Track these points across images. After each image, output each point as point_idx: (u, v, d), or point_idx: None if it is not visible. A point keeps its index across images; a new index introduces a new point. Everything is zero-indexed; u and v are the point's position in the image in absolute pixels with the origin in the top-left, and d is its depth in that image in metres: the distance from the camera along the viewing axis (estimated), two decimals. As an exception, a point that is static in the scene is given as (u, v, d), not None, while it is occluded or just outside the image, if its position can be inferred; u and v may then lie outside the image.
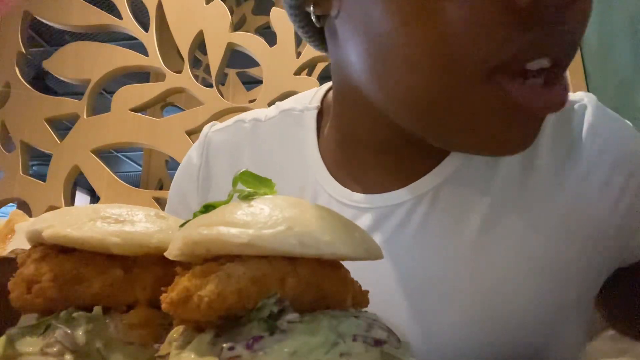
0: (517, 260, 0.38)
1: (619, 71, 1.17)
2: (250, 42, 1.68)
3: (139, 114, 1.73)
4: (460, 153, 0.42)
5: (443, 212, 0.40)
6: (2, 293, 0.28)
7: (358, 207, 0.42)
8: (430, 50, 0.31)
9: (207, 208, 0.26)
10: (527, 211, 0.39)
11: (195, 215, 0.26)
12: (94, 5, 1.82)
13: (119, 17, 1.77)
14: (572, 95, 0.44)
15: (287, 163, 0.48)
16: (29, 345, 0.25)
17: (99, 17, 1.80)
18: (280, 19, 1.68)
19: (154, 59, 1.72)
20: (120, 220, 0.28)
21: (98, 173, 1.69)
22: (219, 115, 1.67)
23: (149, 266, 0.28)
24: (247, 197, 0.25)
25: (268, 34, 1.74)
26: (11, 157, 1.78)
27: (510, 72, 0.31)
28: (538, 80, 0.31)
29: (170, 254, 0.24)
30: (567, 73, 0.34)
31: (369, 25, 0.35)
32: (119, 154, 5.72)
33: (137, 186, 1.88)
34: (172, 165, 2.37)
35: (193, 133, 1.67)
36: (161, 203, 1.66)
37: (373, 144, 0.44)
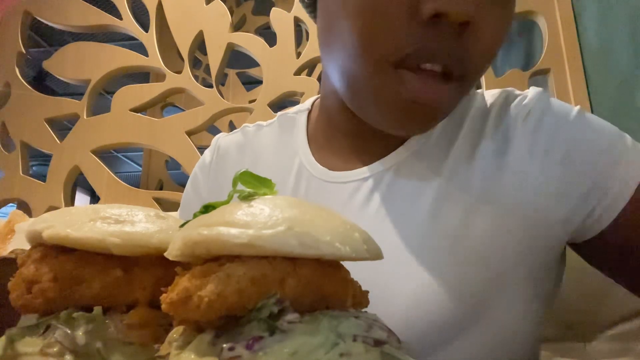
0: (464, 229, 0.43)
1: (619, 71, 1.17)
2: (250, 42, 1.68)
3: (139, 114, 1.73)
4: (418, 136, 0.48)
5: (403, 185, 0.47)
6: (2, 293, 0.28)
7: (335, 182, 0.50)
8: (354, 40, 0.39)
9: (207, 208, 0.26)
10: (472, 187, 0.44)
11: (195, 216, 0.26)
12: (94, 5, 1.82)
13: (119, 17, 1.77)
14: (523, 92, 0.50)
15: (280, 153, 0.56)
16: (29, 345, 0.25)
17: (99, 18, 1.80)
18: (280, 19, 1.68)
19: (154, 59, 1.72)
20: (120, 220, 0.28)
21: (98, 173, 1.69)
22: (219, 116, 1.67)
23: (148, 266, 0.28)
24: (247, 198, 0.25)
25: (268, 34, 1.74)
26: (11, 157, 1.78)
27: (409, 67, 0.38)
28: (430, 78, 0.38)
29: (170, 254, 0.24)
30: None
31: (328, 16, 0.43)
32: (119, 154, 5.72)
33: (137, 186, 1.87)
34: (172, 165, 2.37)
35: (193, 133, 1.67)
36: (161, 203, 1.65)
37: (347, 130, 0.52)
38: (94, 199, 5.77)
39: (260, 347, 0.20)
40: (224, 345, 0.21)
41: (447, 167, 0.45)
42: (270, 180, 0.27)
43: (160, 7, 1.75)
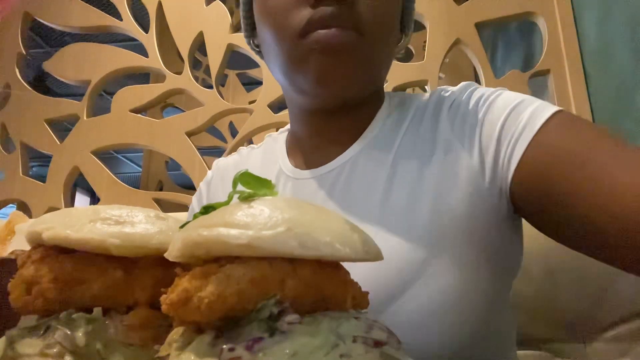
0: (412, 205, 0.49)
1: (619, 72, 1.17)
2: (250, 43, 1.68)
3: (138, 115, 1.73)
4: (372, 129, 0.57)
5: (360, 173, 0.54)
6: (2, 294, 0.28)
7: (304, 179, 0.58)
8: (271, 29, 0.51)
9: (207, 209, 0.26)
10: (414, 166, 0.51)
11: (195, 217, 0.26)
12: (94, 6, 1.83)
13: (119, 18, 1.77)
14: None
15: (265, 166, 0.65)
16: (29, 346, 0.25)
17: (99, 18, 1.80)
18: (280, 20, 1.68)
19: (154, 60, 1.73)
20: (120, 221, 0.28)
21: (98, 174, 1.69)
22: (219, 117, 1.67)
23: (148, 267, 0.28)
24: (247, 198, 0.25)
25: (268, 35, 1.74)
26: (11, 158, 1.78)
27: (312, 31, 0.48)
28: (331, 29, 0.48)
29: (170, 255, 0.24)
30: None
31: (258, 24, 0.56)
32: (118, 155, 5.72)
33: (137, 187, 1.87)
34: (172, 166, 2.37)
35: (193, 134, 1.67)
36: (161, 204, 1.65)
37: (310, 132, 0.60)
38: (94, 199, 5.77)
39: (260, 348, 0.20)
40: (224, 346, 0.21)
41: (395, 152, 0.53)
42: (270, 181, 0.27)
43: (160, 8, 1.75)
